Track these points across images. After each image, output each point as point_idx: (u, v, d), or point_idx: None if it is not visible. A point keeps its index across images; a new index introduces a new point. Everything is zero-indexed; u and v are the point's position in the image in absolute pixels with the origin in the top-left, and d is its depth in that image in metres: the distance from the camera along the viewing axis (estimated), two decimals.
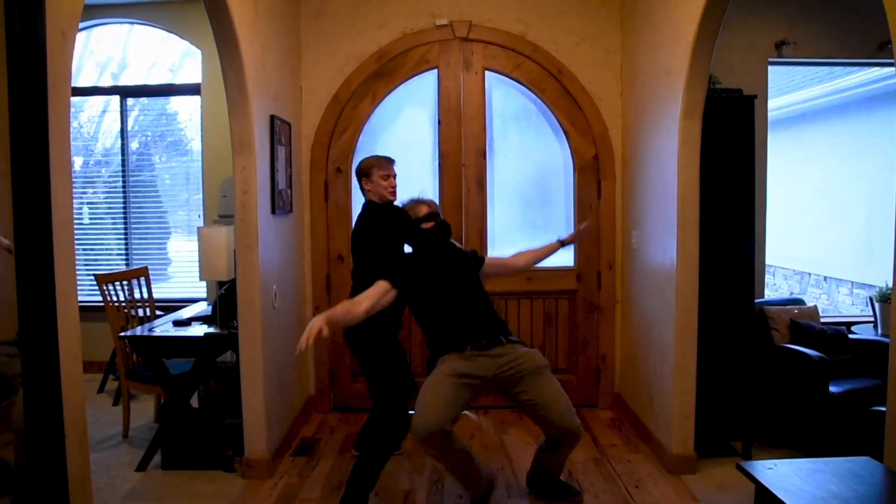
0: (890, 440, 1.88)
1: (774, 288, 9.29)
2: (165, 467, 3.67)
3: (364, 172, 3.41)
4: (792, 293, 8.83)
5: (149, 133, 6.08)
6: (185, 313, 4.24)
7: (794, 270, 8.93)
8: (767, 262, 6.68)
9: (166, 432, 3.68)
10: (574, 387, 4.69)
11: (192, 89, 5.86)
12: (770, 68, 4.74)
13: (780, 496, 1.63)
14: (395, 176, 3.41)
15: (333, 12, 4.51)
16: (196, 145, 5.95)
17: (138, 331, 3.84)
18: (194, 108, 5.94)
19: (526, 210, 4.73)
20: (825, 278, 8.19)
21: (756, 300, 4.34)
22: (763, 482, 1.73)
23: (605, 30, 4.52)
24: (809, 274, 8.55)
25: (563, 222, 4.69)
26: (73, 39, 1.95)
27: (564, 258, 4.65)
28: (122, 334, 3.85)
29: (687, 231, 3.52)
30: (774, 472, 1.78)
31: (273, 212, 3.73)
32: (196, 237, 4.25)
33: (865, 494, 1.60)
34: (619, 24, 4.51)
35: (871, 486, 1.66)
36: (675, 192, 3.53)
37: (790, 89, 7.97)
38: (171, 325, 3.89)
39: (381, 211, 3.33)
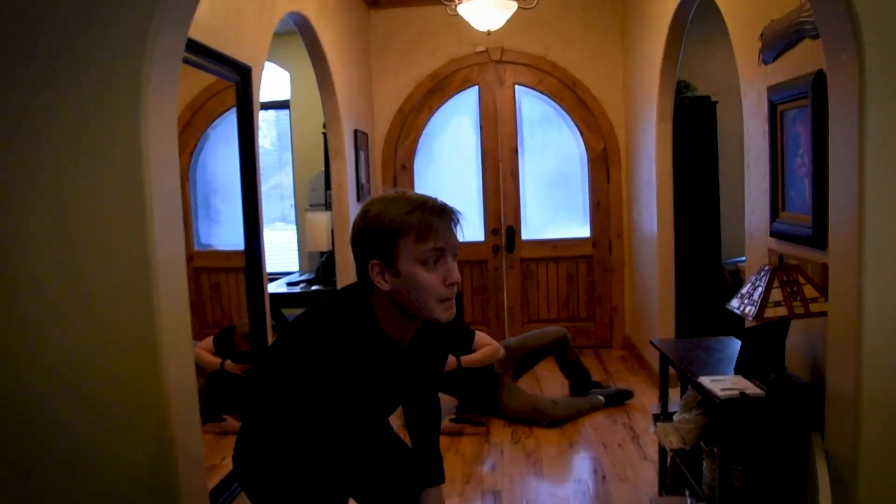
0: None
1: None
2: None
3: (382, 241, 1.47)
4: None
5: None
6: (293, 278, 5.66)
7: None
8: None
9: None
10: (592, 332, 5.95)
11: (280, 105, 7.27)
12: None
13: (665, 353, 2.88)
14: (455, 256, 1.51)
15: (395, 45, 5.83)
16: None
17: None
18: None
19: (550, 193, 5.99)
20: None
21: (734, 259, 5.53)
22: (660, 348, 2.98)
23: (610, 48, 5.71)
24: None
25: (580, 201, 5.93)
26: (258, 108, 3.32)
27: (582, 230, 5.90)
28: None
29: (664, 206, 4.73)
30: (666, 343, 3.01)
31: (358, 200, 5.09)
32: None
33: (714, 355, 2.81)
34: (620, 44, 5.70)
35: (721, 352, 2.87)
36: (654, 176, 4.75)
37: None
38: (285, 284, 5.31)
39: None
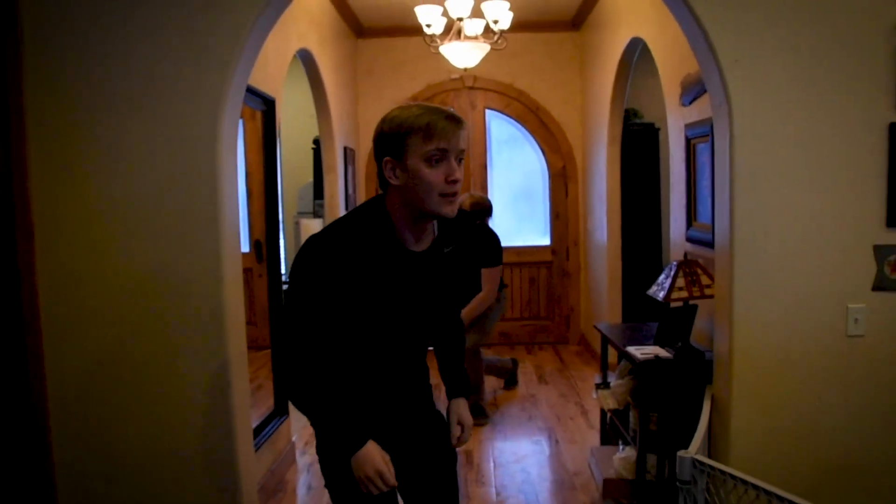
0: None
1: None
2: None
3: (394, 140, 1.68)
4: None
5: None
6: (283, 278, 6.31)
7: None
8: None
9: None
10: (551, 330, 6.69)
11: None
12: None
13: (605, 333, 3.63)
14: (459, 159, 1.70)
15: (379, 70, 6.54)
16: None
17: None
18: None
19: (516, 204, 6.75)
20: None
21: None
22: (601, 330, 3.72)
23: (570, 78, 6.49)
24: None
25: (541, 213, 6.69)
26: (279, 130, 3.99)
27: (543, 239, 6.66)
28: None
29: (613, 218, 5.50)
30: (607, 326, 3.75)
31: (346, 208, 5.76)
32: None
33: (643, 333, 3.55)
34: (578, 75, 6.48)
35: (649, 332, 3.59)
36: (605, 192, 5.52)
37: None
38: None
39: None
